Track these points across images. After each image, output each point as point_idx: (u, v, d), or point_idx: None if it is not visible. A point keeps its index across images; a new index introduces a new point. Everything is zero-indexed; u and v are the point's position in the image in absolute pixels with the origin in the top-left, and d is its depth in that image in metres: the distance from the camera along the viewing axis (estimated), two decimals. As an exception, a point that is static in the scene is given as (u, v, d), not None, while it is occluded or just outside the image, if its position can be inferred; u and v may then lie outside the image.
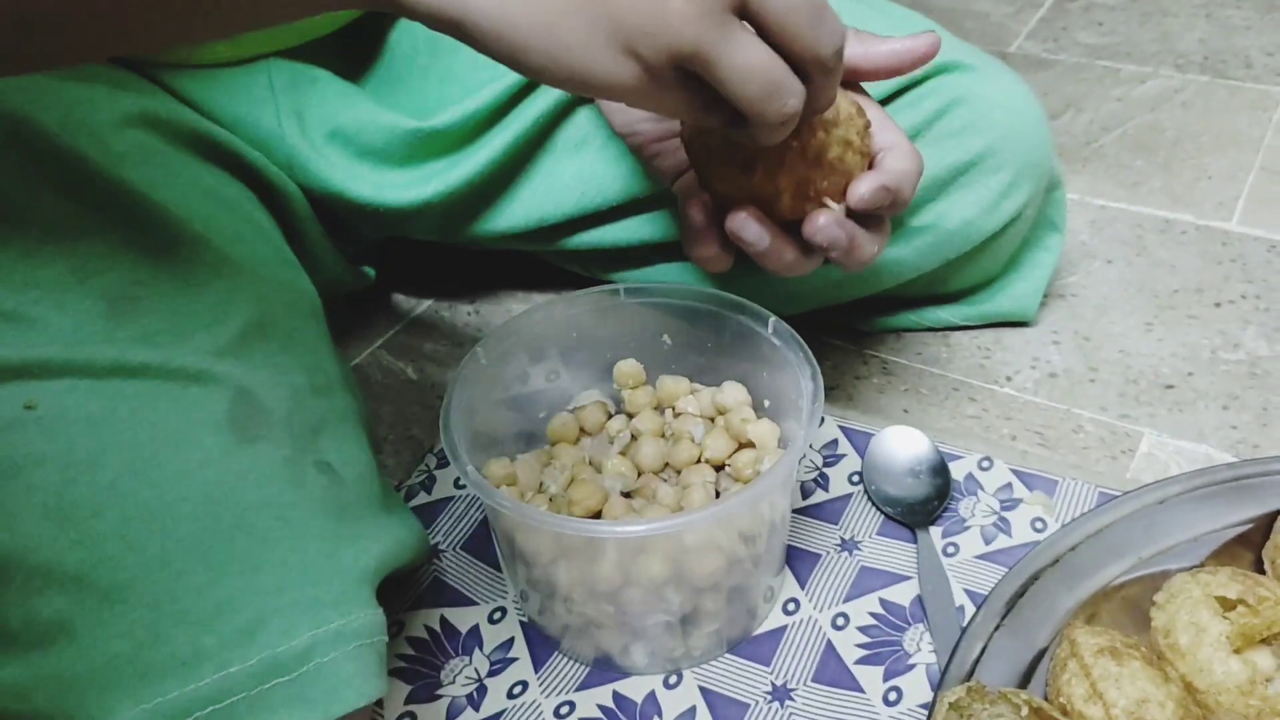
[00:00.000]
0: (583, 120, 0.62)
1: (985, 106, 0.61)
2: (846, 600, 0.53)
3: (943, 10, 1.11)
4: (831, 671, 0.50)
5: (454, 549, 0.57)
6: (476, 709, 0.50)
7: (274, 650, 0.38)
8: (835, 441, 0.61)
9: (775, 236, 0.45)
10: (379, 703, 0.50)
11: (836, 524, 0.57)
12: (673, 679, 0.50)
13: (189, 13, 0.36)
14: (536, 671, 0.51)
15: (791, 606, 0.53)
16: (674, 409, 0.57)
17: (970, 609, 0.52)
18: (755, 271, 0.49)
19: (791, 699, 0.49)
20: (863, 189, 0.44)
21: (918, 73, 0.60)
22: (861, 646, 0.51)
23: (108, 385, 0.40)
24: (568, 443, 0.56)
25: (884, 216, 0.47)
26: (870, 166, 0.46)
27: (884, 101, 0.60)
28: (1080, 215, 0.80)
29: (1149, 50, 1.01)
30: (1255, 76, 0.96)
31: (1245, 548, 0.51)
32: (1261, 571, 0.49)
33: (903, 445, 0.59)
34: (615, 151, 0.62)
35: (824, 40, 0.37)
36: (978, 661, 0.45)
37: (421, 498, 0.60)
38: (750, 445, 0.54)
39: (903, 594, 0.53)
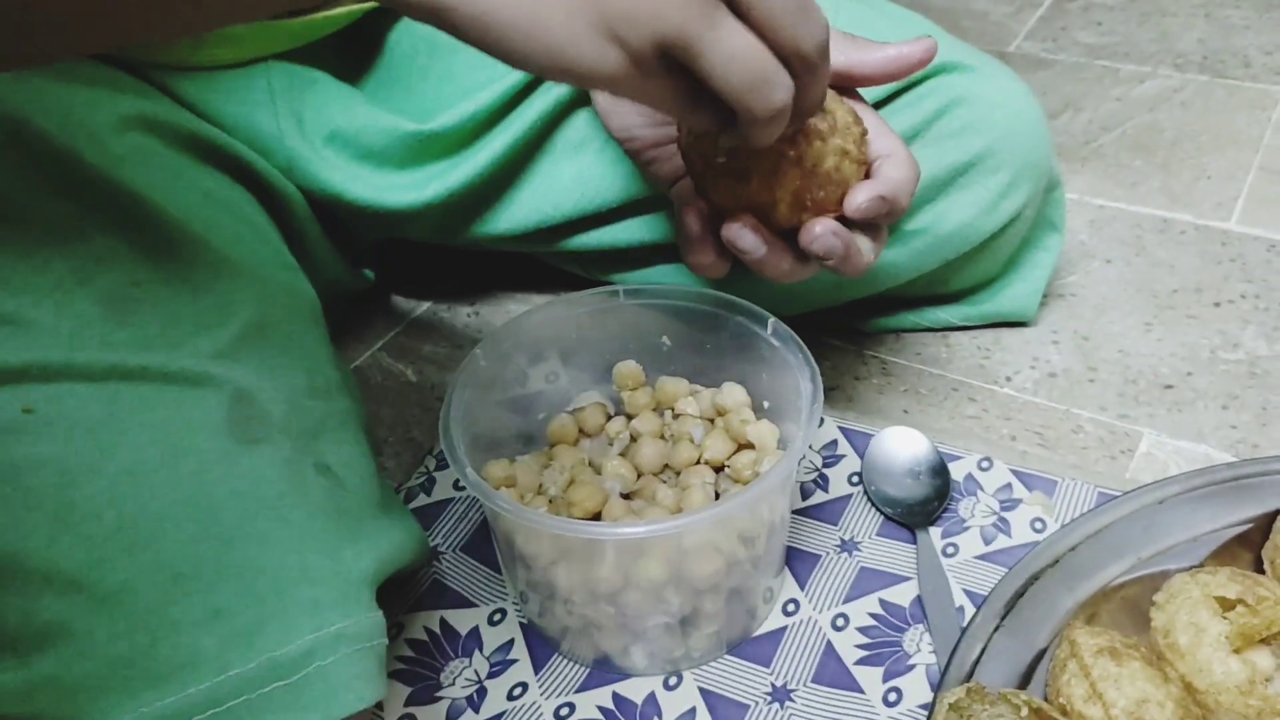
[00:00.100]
0: (581, 122, 0.62)
1: (984, 107, 0.61)
2: (846, 601, 0.53)
3: (942, 10, 1.11)
4: (831, 672, 0.50)
5: (454, 551, 0.57)
6: (476, 711, 0.50)
7: (273, 653, 0.38)
8: (835, 442, 0.61)
9: (771, 245, 0.45)
10: (379, 705, 0.50)
11: (836, 525, 0.57)
12: (672, 680, 0.50)
13: (160, 9, 0.36)
14: (536, 673, 0.51)
15: (791, 607, 0.53)
16: (673, 410, 0.57)
17: (970, 609, 0.52)
18: (753, 274, 0.49)
19: (791, 700, 0.49)
20: (859, 198, 0.44)
21: (916, 74, 0.60)
22: (861, 647, 0.51)
23: (106, 388, 0.40)
24: (567, 444, 0.56)
25: (880, 224, 0.47)
26: (867, 175, 0.46)
27: (883, 102, 0.60)
28: (1079, 215, 0.80)
29: (1148, 50, 1.01)
30: (1254, 76, 0.96)
31: (1245, 548, 0.51)
32: (1261, 571, 0.49)
33: (902, 446, 0.59)
34: (614, 153, 0.62)
35: (807, 34, 0.37)
36: (977, 662, 0.45)
37: (421, 500, 0.60)
38: (750, 446, 0.54)
39: (902, 595, 0.53)
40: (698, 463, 0.54)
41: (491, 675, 0.51)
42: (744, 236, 0.45)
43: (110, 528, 0.38)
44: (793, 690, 0.49)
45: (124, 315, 0.42)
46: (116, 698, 0.38)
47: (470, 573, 0.56)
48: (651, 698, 0.50)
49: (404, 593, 0.55)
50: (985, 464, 0.59)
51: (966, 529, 0.56)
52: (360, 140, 0.63)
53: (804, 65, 0.38)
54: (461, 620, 0.54)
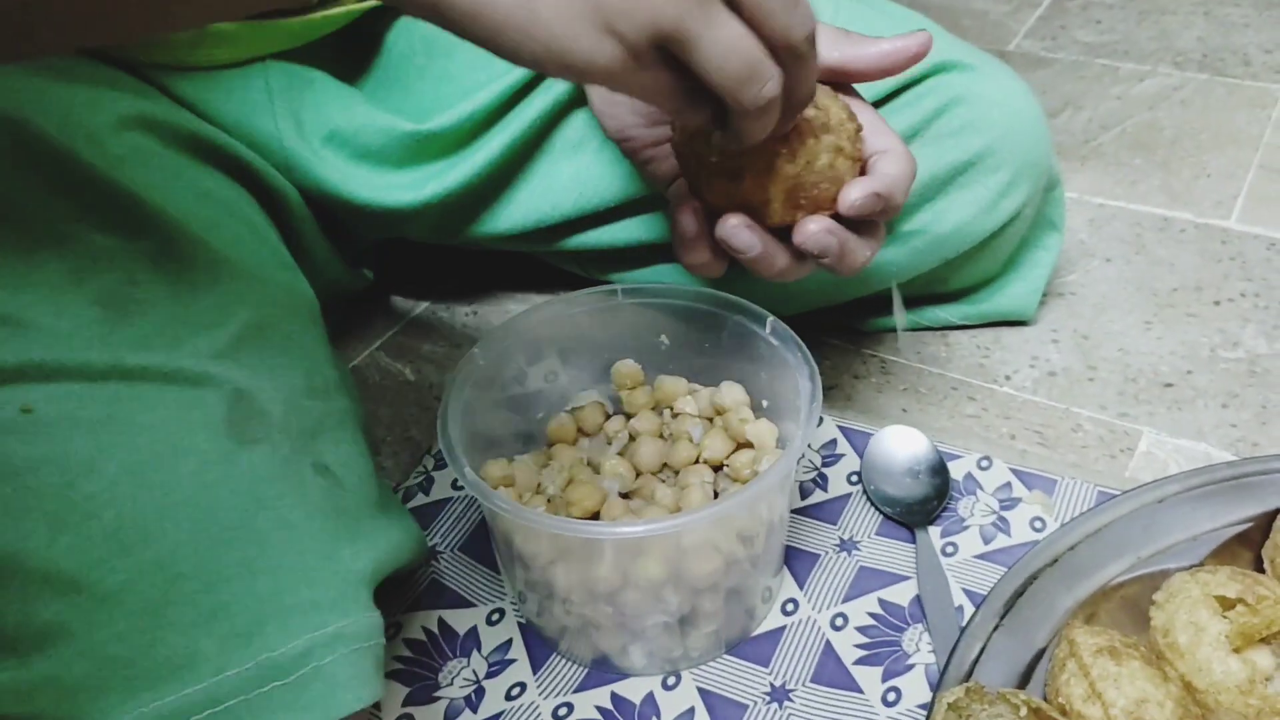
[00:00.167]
0: (579, 122, 0.62)
1: (984, 106, 0.60)
2: (845, 600, 0.53)
3: (941, 9, 1.11)
4: (830, 672, 0.50)
5: (452, 550, 0.57)
6: (475, 711, 0.50)
7: (271, 653, 0.38)
8: (834, 441, 0.61)
9: (766, 244, 0.45)
10: (377, 705, 0.49)
11: (835, 524, 0.57)
12: (671, 680, 0.50)
13: (143, 13, 0.36)
14: (535, 673, 0.51)
15: (790, 607, 0.53)
16: (672, 409, 0.57)
17: (969, 609, 0.52)
18: (751, 273, 0.49)
19: (790, 700, 0.49)
20: (854, 195, 0.44)
21: (915, 72, 0.60)
22: (860, 647, 0.51)
23: (104, 388, 0.40)
24: (566, 443, 0.56)
25: (877, 221, 0.47)
26: (863, 171, 0.46)
27: (882, 101, 0.60)
28: (1079, 214, 0.80)
29: (1147, 48, 1.01)
30: (1254, 74, 0.96)
31: (1245, 546, 0.51)
32: (1261, 570, 0.49)
33: (901, 445, 0.59)
34: (612, 153, 0.62)
35: (795, 25, 0.37)
36: (976, 661, 0.45)
37: (419, 499, 0.60)
38: (748, 445, 0.54)
39: (902, 594, 0.53)
40: (696, 462, 0.54)
41: (490, 675, 0.51)
42: (738, 235, 0.45)
43: (109, 528, 0.38)
44: (791, 690, 0.49)
45: (122, 315, 0.42)
46: (115, 698, 0.38)
47: (469, 572, 0.56)
48: (650, 698, 0.50)
49: (402, 592, 0.55)
50: (985, 463, 0.59)
51: (966, 528, 0.56)
52: (358, 140, 0.63)
53: (793, 56, 0.38)
54: (460, 620, 0.54)
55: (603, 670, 0.51)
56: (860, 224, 0.46)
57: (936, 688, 0.45)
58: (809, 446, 0.61)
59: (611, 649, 0.50)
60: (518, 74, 0.61)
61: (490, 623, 0.53)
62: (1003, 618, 0.47)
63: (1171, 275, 0.74)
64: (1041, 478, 0.58)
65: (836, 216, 0.45)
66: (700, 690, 0.50)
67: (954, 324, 0.69)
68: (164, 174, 0.53)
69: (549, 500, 0.52)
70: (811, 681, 0.49)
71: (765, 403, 0.55)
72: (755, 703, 0.49)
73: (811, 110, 0.43)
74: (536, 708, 0.49)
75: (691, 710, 0.49)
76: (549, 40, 0.35)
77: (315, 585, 0.41)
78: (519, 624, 0.53)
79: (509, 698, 0.50)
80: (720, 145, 0.43)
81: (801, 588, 0.54)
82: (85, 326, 0.41)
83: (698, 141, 0.45)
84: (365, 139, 0.63)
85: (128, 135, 0.53)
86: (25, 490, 0.37)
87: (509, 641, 0.52)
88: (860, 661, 0.50)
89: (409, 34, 0.65)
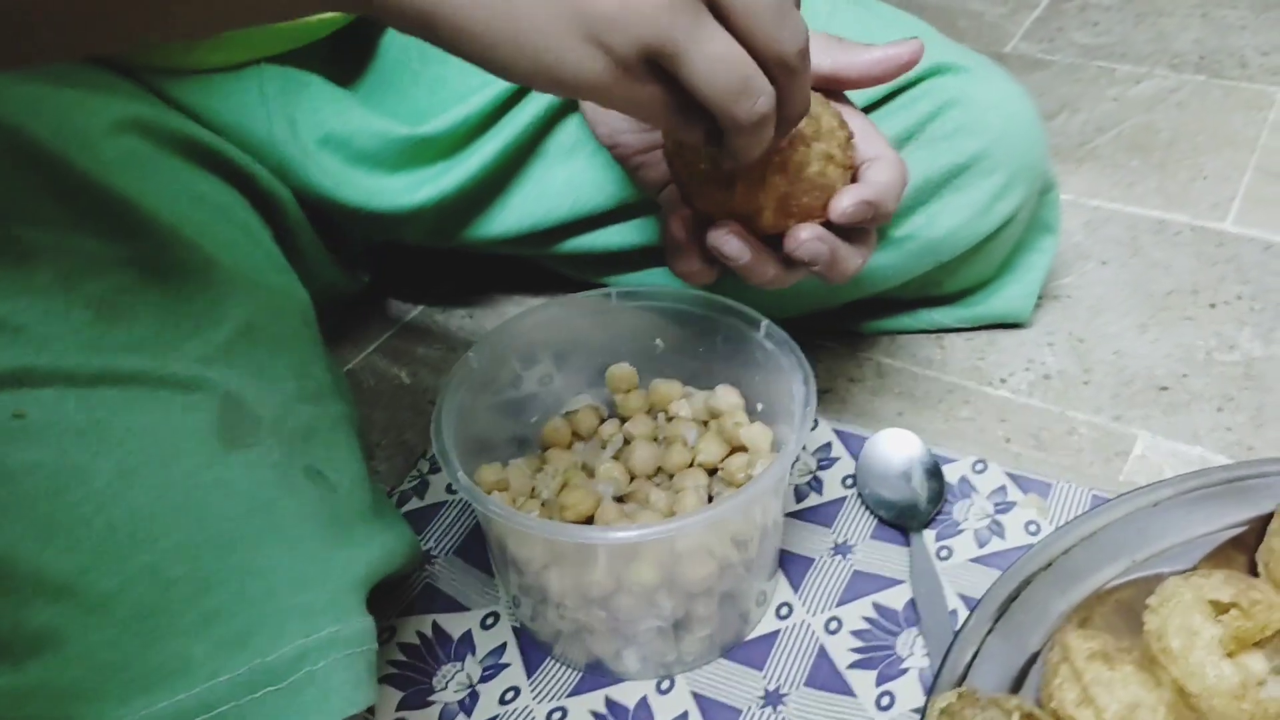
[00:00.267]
0: (573, 127, 0.62)
1: (979, 109, 0.60)
2: (839, 604, 0.53)
3: (938, 10, 1.11)
4: (824, 676, 0.50)
5: (446, 555, 0.57)
6: (469, 715, 0.50)
7: (264, 659, 0.38)
8: (829, 445, 0.61)
9: (757, 251, 0.45)
10: (371, 709, 0.49)
11: (830, 527, 0.57)
12: (665, 684, 0.50)
13: (159, 10, 0.36)
14: (529, 677, 0.51)
15: (784, 611, 0.53)
16: (667, 413, 0.57)
17: (964, 613, 0.51)
18: (743, 278, 0.49)
19: (784, 703, 0.49)
20: (844, 203, 0.44)
21: (910, 75, 0.60)
22: (854, 651, 0.51)
23: (96, 393, 0.40)
24: (560, 447, 0.56)
25: (868, 229, 0.47)
26: (854, 179, 0.46)
27: (877, 104, 0.60)
28: (1075, 216, 0.80)
29: (1144, 50, 1.01)
30: (1250, 76, 0.96)
31: (1239, 550, 0.51)
32: (1255, 574, 0.49)
33: (896, 448, 0.59)
34: (606, 158, 0.62)
35: (787, 39, 0.37)
36: (970, 666, 0.45)
37: (414, 503, 0.60)
38: (743, 449, 0.54)
39: (896, 598, 0.53)
40: (691, 465, 0.54)
41: (484, 679, 0.51)
42: (729, 243, 0.45)
43: (101, 533, 0.38)
44: (785, 694, 0.49)
45: (115, 319, 0.42)
46: (108, 703, 0.37)
47: (463, 577, 0.56)
48: (644, 702, 0.49)
49: (396, 596, 0.55)
50: (980, 466, 0.59)
51: (960, 532, 0.56)
52: (353, 144, 0.63)
53: (785, 70, 0.38)
54: (454, 624, 0.53)
55: (597, 674, 0.51)
56: (851, 231, 0.46)
57: (930, 692, 0.45)
58: (804, 450, 0.61)
59: (605, 653, 0.50)
60: (513, 80, 0.61)
61: (484, 627, 0.53)
62: (996, 622, 0.47)
63: (1167, 278, 0.74)
64: (1036, 481, 0.58)
65: (828, 224, 0.45)
66: (694, 694, 0.50)
67: (949, 327, 0.69)
68: (157, 178, 0.52)
69: (543, 504, 0.52)
70: (805, 685, 0.49)
71: (760, 406, 0.55)
72: (749, 707, 0.49)
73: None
74: (530, 712, 0.49)
75: (685, 714, 0.49)
76: (537, 56, 0.35)
77: (308, 590, 0.41)
78: (513, 628, 0.53)
79: (503, 702, 0.50)
80: (715, 160, 0.43)
81: (796, 591, 0.54)
82: (77, 331, 0.41)
83: (688, 149, 0.45)
84: (360, 142, 0.63)
85: (121, 139, 0.53)
86: (17, 495, 0.37)
87: (503, 646, 0.52)
88: (854, 665, 0.50)
89: (403, 38, 0.65)
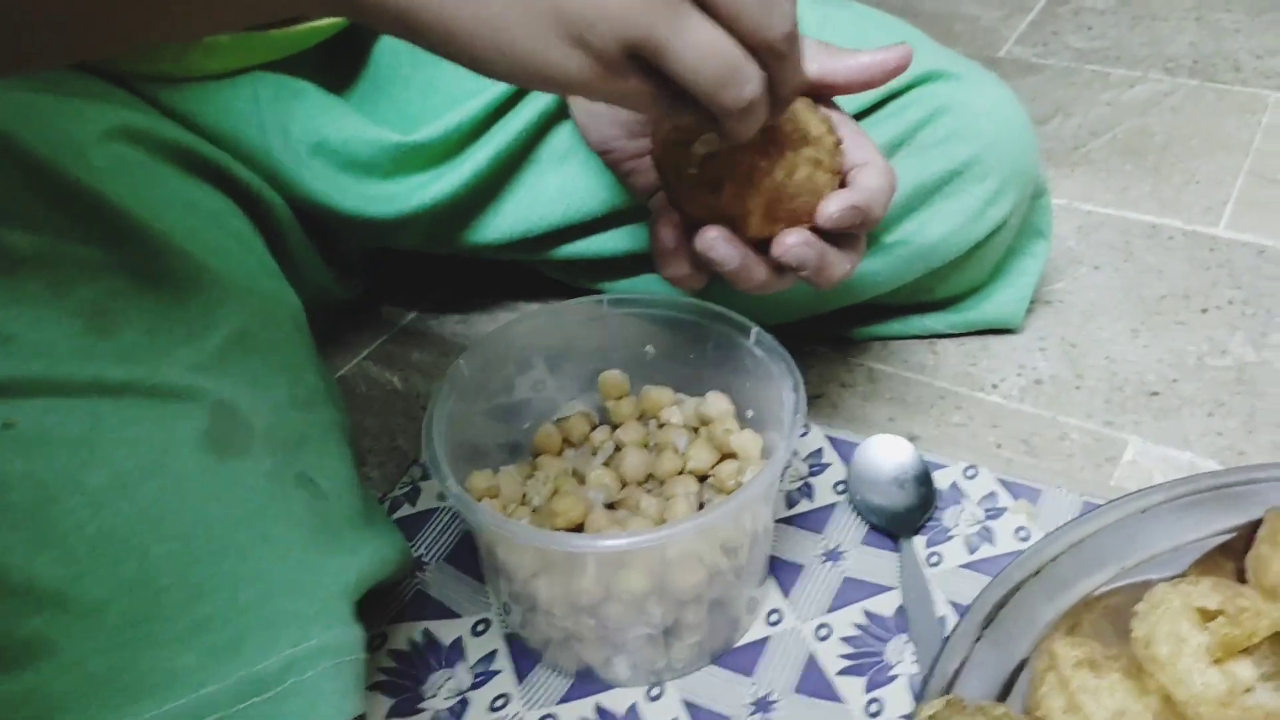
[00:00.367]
0: (566, 133, 0.63)
1: (970, 115, 0.61)
2: (830, 611, 0.53)
3: (932, 15, 1.11)
4: (813, 683, 0.50)
5: (438, 561, 0.57)
6: (459, 722, 0.50)
7: (251, 668, 0.38)
8: (820, 450, 0.61)
9: (745, 257, 0.45)
10: (361, 717, 0.49)
11: (821, 533, 0.57)
12: (655, 691, 0.50)
13: (157, 9, 0.36)
14: (519, 684, 0.51)
15: (775, 617, 0.53)
16: (658, 419, 0.57)
17: (954, 619, 0.52)
18: (733, 284, 0.49)
19: (773, 710, 0.49)
20: (831, 208, 0.44)
21: (901, 82, 0.60)
22: (844, 658, 0.51)
23: (86, 403, 0.40)
24: (551, 454, 0.56)
25: (857, 234, 0.47)
26: (843, 184, 0.46)
27: (868, 111, 0.61)
28: (1068, 221, 0.80)
29: (1138, 54, 1.02)
30: (1244, 80, 0.96)
31: (1228, 556, 0.51)
32: (1244, 580, 0.49)
33: (888, 454, 0.59)
34: (598, 164, 0.62)
35: (773, 23, 0.36)
36: (958, 673, 0.45)
37: (406, 510, 0.60)
38: (733, 456, 0.54)
39: (886, 604, 0.53)
40: (681, 472, 0.54)
41: (474, 686, 0.51)
42: (717, 248, 0.45)
43: (92, 542, 0.38)
44: (775, 701, 0.49)
45: (105, 328, 0.42)
46: (96, 713, 0.38)
47: (454, 583, 0.56)
48: (634, 709, 0.50)
49: (387, 603, 0.55)
50: (970, 472, 0.59)
51: (951, 538, 0.56)
52: (346, 151, 0.63)
53: (772, 55, 0.38)
54: (445, 631, 0.54)
55: (587, 681, 0.51)
56: (840, 237, 0.46)
57: (918, 699, 0.45)
58: (795, 456, 0.61)
59: (595, 660, 0.50)
60: (504, 85, 0.61)
61: (475, 634, 0.53)
62: (985, 629, 0.47)
63: (1160, 283, 0.74)
64: (1027, 487, 0.58)
65: (817, 229, 0.46)
66: (685, 701, 0.50)
67: (941, 332, 0.69)
68: (149, 185, 0.53)
69: (534, 511, 0.52)
70: (795, 692, 0.49)
71: (751, 412, 0.55)
72: (739, 713, 0.49)
73: (791, 123, 0.44)
74: (521, 719, 0.50)
75: (675, 721, 0.49)
76: (521, 55, 0.35)
77: (297, 598, 0.41)
78: (504, 635, 0.53)
79: (493, 709, 0.50)
80: (700, 155, 0.44)
81: (786, 597, 0.54)
82: (68, 340, 0.41)
83: (676, 153, 0.45)
84: (352, 150, 0.63)
85: (112, 147, 0.53)
86: (7, 505, 0.38)
87: (494, 653, 0.52)
88: (844, 672, 0.50)
89: (395, 44, 0.65)
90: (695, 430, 0.56)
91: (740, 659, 0.51)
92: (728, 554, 0.48)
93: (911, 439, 0.61)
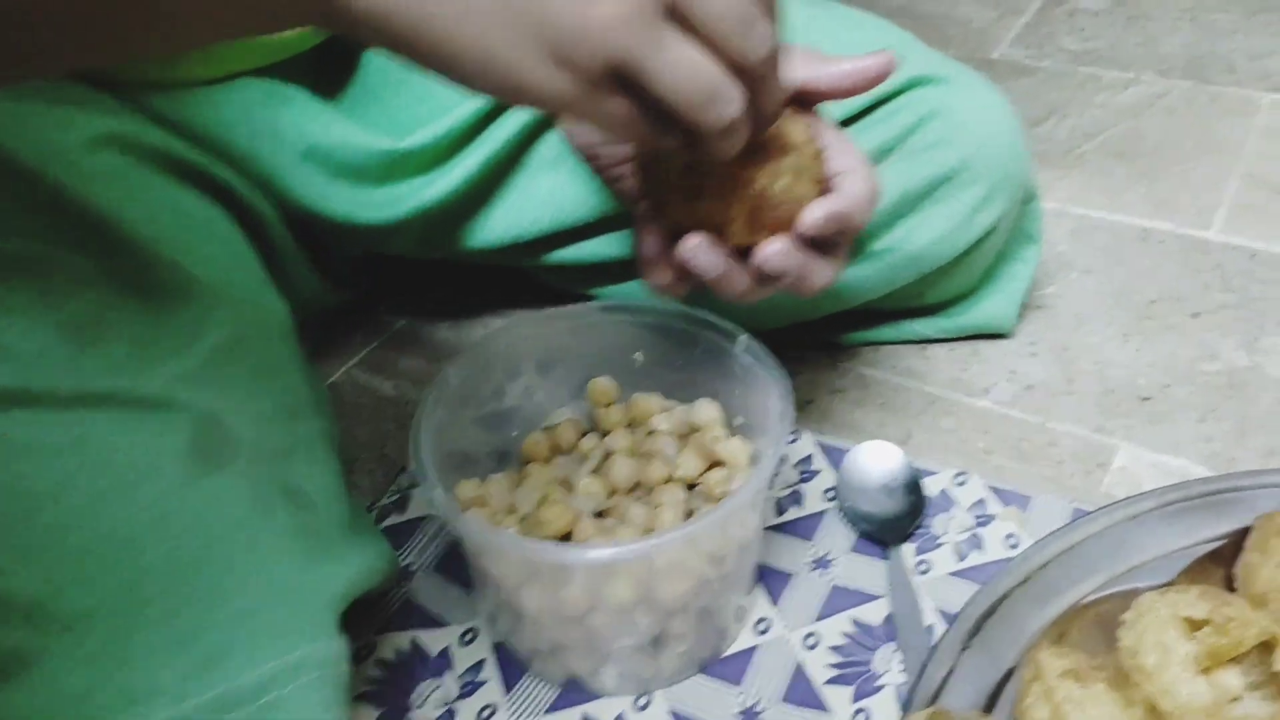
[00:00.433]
0: (556, 139, 0.62)
1: (959, 120, 0.60)
2: (818, 619, 0.53)
3: (927, 17, 1.11)
4: (800, 692, 0.50)
5: (426, 570, 0.57)
6: (447, 732, 0.50)
7: (231, 683, 0.38)
8: (810, 457, 0.61)
9: (726, 265, 0.45)
10: (349, 726, 0.49)
11: (810, 541, 0.57)
12: (643, 700, 0.50)
13: (141, 20, 0.36)
14: (507, 694, 0.51)
15: (763, 626, 0.53)
16: (647, 427, 0.57)
17: (942, 628, 0.51)
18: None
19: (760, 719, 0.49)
20: (812, 217, 0.44)
21: (890, 87, 0.60)
22: (832, 667, 0.50)
23: (72, 415, 0.40)
24: (540, 462, 0.56)
25: (839, 242, 0.47)
26: (825, 191, 0.46)
27: (857, 117, 0.60)
28: (1060, 225, 0.80)
29: (1133, 55, 1.01)
30: (1238, 81, 0.96)
31: (1217, 564, 0.51)
32: (1233, 588, 0.49)
33: (877, 461, 0.59)
34: (588, 169, 0.62)
35: (754, 45, 0.37)
36: (944, 683, 0.45)
37: (394, 518, 0.60)
38: (722, 464, 0.54)
39: (875, 613, 0.53)
40: (669, 480, 0.54)
41: (462, 696, 0.51)
42: (698, 256, 0.45)
43: (72, 556, 0.38)
44: (762, 711, 0.49)
45: (91, 339, 0.42)
46: None
47: (443, 592, 0.56)
48: (621, 718, 0.49)
49: (376, 612, 0.55)
50: (960, 479, 0.59)
51: (940, 545, 0.56)
52: (336, 157, 0.63)
53: (753, 76, 0.38)
54: (433, 640, 0.53)
55: (574, 691, 0.51)
56: (822, 245, 0.46)
57: (905, 709, 0.45)
58: (785, 463, 0.61)
59: (583, 670, 0.50)
60: (492, 93, 0.61)
61: (463, 643, 0.53)
62: (972, 638, 0.47)
63: (1151, 287, 0.74)
64: (1016, 494, 0.58)
65: (799, 237, 0.45)
66: (672, 712, 0.50)
67: (932, 337, 0.69)
68: (137, 193, 0.53)
69: (522, 520, 0.52)
70: (783, 701, 0.49)
71: (740, 419, 0.55)
72: (727, 723, 0.49)
73: (772, 131, 0.43)
74: (508, 729, 0.50)
75: (663, 731, 0.49)
76: (504, 73, 0.35)
77: (280, 611, 0.41)
78: (492, 644, 0.53)
79: (480, 719, 0.50)
80: (681, 164, 0.44)
81: (775, 606, 0.54)
82: (53, 350, 0.41)
83: (659, 161, 0.45)
84: (343, 156, 0.63)
85: (101, 155, 0.53)
86: (-8, 516, 0.37)
87: (481, 662, 0.52)
88: (831, 681, 0.50)
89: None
90: (684, 437, 0.56)
91: (728, 668, 0.51)
92: (714, 563, 0.48)
93: (902, 445, 0.60)
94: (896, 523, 0.57)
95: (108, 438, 0.40)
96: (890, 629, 0.52)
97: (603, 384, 0.58)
